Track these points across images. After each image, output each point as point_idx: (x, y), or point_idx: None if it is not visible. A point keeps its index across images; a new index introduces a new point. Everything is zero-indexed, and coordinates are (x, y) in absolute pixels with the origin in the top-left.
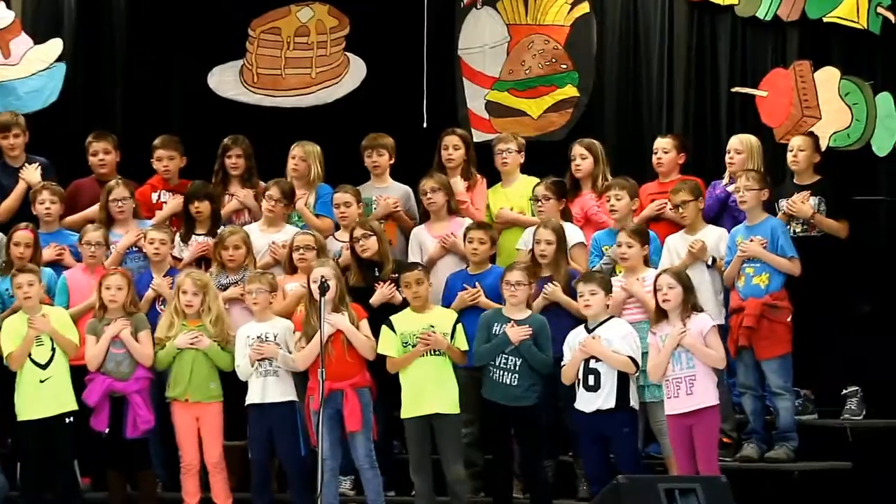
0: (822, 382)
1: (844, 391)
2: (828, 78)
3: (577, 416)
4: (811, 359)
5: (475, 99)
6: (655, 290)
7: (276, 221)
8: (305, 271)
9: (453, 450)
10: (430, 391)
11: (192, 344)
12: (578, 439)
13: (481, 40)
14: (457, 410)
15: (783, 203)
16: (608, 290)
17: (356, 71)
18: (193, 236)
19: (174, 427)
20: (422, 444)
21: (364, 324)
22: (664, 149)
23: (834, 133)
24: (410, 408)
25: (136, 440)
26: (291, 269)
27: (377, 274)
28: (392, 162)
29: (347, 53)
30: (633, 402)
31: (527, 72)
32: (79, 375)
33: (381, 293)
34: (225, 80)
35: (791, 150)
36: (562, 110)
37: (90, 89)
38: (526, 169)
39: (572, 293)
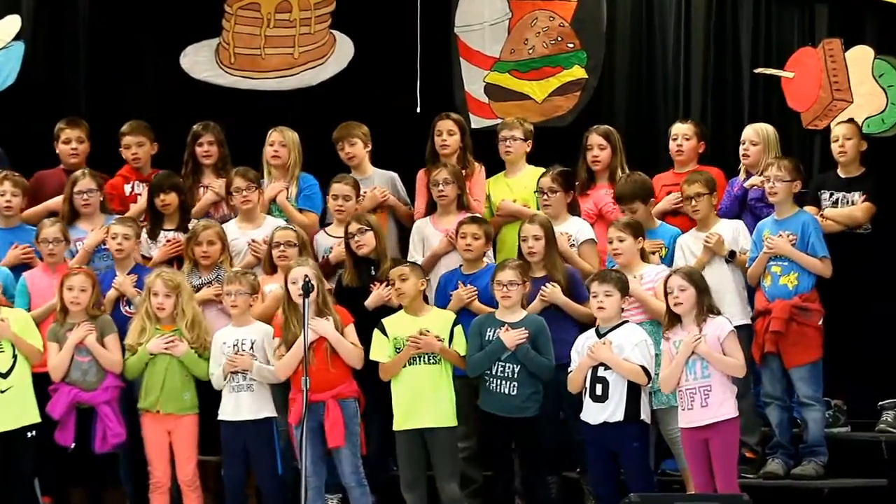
0: (856, 392)
1: (881, 402)
2: (860, 57)
3: (583, 427)
4: (844, 365)
5: (473, 81)
6: (666, 293)
7: (254, 214)
8: (286, 270)
9: (448, 466)
10: (423, 402)
11: (166, 349)
12: (586, 453)
13: (480, 17)
14: (453, 423)
15: (825, 201)
16: (625, 291)
17: (343, 51)
18: (162, 232)
19: (143, 440)
20: (414, 459)
21: (350, 329)
22: (685, 135)
23: (867, 118)
24: (402, 420)
25: (105, 455)
26: (271, 269)
27: (373, 273)
28: (368, 149)
29: (333, 31)
30: (645, 415)
31: (530, 51)
32: (42, 384)
33: (378, 294)
34: (199, 61)
35: (836, 140)
36: (568, 93)
37: (51, 71)
38: (530, 158)
39: (572, 295)
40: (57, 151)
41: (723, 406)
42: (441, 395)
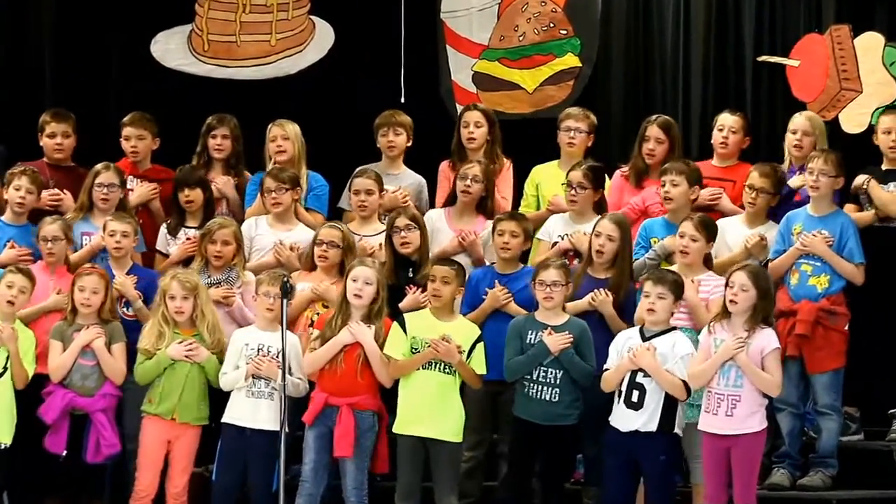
0: (869, 398)
1: (892, 410)
2: (870, 45)
3: (608, 433)
4: (860, 370)
5: (460, 70)
6: (726, 285)
7: (286, 217)
8: (326, 270)
9: (449, 480)
10: (430, 412)
11: (187, 356)
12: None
13: (468, 2)
14: (459, 439)
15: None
16: (679, 296)
17: (323, 37)
18: (183, 229)
19: (139, 446)
20: (413, 466)
21: None
22: (732, 128)
23: (877, 109)
24: (405, 424)
25: (94, 465)
26: (311, 266)
27: (411, 275)
28: (409, 144)
29: (312, 17)
30: (678, 429)
31: (520, 38)
32: (34, 388)
33: (414, 299)
34: (170, 49)
35: (889, 133)
36: (561, 83)
37: (13, 59)
38: (511, 151)
39: (620, 309)
40: (40, 144)
41: (748, 419)
42: (450, 408)
